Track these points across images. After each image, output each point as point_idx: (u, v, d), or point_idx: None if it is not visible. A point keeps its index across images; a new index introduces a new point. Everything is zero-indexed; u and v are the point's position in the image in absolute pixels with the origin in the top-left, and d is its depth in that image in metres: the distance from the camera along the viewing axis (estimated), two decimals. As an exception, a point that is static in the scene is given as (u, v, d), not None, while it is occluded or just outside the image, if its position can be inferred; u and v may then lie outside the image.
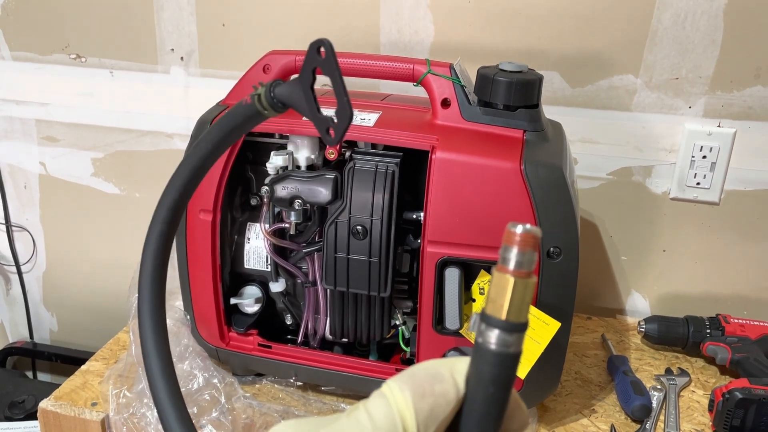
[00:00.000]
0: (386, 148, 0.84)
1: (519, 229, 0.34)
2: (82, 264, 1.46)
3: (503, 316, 0.34)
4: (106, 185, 1.37)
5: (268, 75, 0.90)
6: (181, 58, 1.22)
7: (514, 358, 0.35)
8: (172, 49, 1.22)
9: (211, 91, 1.17)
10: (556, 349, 0.81)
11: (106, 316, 1.45)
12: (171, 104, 1.26)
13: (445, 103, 0.84)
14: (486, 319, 0.35)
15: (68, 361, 1.48)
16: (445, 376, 0.35)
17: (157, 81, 1.25)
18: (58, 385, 0.98)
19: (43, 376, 1.60)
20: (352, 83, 1.07)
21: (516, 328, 0.34)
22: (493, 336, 0.34)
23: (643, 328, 1.07)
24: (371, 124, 0.84)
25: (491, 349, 0.34)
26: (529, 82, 0.82)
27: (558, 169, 0.78)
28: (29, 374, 1.57)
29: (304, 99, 0.45)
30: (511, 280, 0.34)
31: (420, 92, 0.88)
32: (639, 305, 1.20)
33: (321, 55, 0.43)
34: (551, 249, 0.78)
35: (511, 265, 0.34)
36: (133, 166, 1.34)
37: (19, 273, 1.49)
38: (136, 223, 1.38)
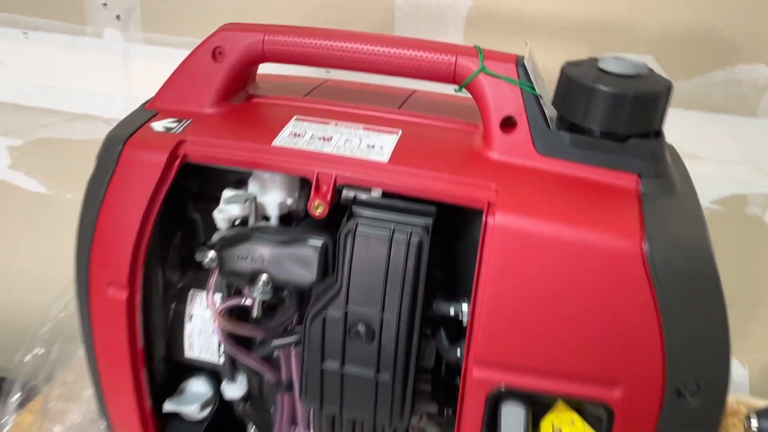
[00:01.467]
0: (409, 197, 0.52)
1: None
2: (-1, 276, 1.15)
3: None
4: (28, 181, 1.06)
5: (221, 63, 0.57)
6: (117, 17, 0.89)
7: None
8: (104, 4, 0.88)
9: (157, 63, 0.85)
10: None
11: (26, 336, 1.16)
12: (107, 79, 0.94)
13: (508, 123, 0.51)
14: None
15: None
16: None
17: (86, 47, 0.93)
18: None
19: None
20: (356, 74, 0.75)
21: None
22: None
23: (755, 426, 0.77)
24: (385, 157, 0.51)
25: None
26: (652, 95, 0.49)
27: (704, 252, 0.46)
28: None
29: None
30: None
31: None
32: (735, 375, 0.89)
33: None
34: (684, 384, 0.47)
35: None
36: (63, 159, 1.02)
37: (-75, 284, 1.18)
38: (66, 230, 1.06)
